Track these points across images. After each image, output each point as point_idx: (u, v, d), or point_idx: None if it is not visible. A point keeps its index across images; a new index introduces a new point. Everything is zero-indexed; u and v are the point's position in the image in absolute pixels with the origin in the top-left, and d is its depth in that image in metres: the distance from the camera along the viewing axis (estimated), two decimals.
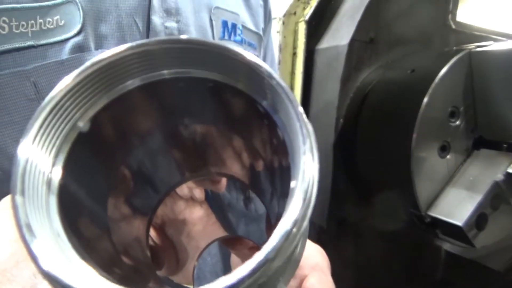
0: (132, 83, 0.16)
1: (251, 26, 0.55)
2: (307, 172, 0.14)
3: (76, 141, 0.15)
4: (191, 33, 0.45)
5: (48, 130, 0.15)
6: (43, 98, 0.34)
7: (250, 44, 0.54)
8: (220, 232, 0.29)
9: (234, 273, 0.12)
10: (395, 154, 0.65)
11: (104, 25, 0.39)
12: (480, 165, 0.61)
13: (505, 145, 0.62)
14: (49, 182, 0.15)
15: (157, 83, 0.16)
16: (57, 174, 0.15)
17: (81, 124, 0.15)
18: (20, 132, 0.35)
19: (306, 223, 0.14)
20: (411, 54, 0.71)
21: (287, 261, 0.15)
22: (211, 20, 0.47)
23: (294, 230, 0.13)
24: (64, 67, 0.36)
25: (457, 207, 0.59)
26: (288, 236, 0.13)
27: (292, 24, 0.68)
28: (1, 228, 0.17)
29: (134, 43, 0.15)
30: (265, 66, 0.15)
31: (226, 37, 0.49)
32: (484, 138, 0.63)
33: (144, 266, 0.19)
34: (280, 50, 0.67)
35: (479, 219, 0.57)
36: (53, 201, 0.15)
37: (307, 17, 0.66)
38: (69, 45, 0.37)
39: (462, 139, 0.63)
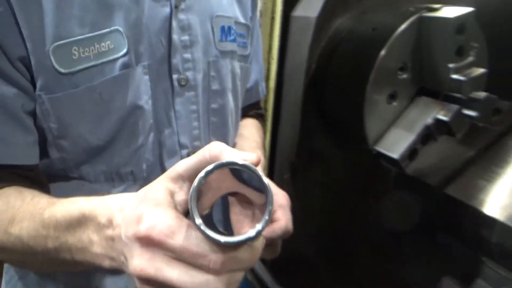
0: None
1: (241, 19, 0.68)
2: (270, 194, 0.32)
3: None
4: (198, 42, 0.58)
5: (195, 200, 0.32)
6: (106, 102, 0.49)
7: (241, 35, 0.67)
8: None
9: (246, 234, 0.31)
10: (353, 97, 0.79)
11: (141, 45, 0.52)
12: (418, 110, 0.76)
13: (442, 94, 0.76)
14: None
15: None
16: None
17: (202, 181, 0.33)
18: (90, 124, 0.51)
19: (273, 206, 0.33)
20: (376, 11, 0.81)
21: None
22: (212, 28, 0.60)
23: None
24: (117, 81, 0.50)
25: (396, 143, 0.75)
26: (269, 218, 0.32)
27: None
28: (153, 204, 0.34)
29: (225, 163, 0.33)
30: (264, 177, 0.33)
31: (224, 38, 0.62)
32: (426, 88, 0.77)
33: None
34: (261, 15, 0.77)
35: (411, 153, 0.74)
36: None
37: None
38: (118, 63, 0.50)
39: (408, 89, 0.77)
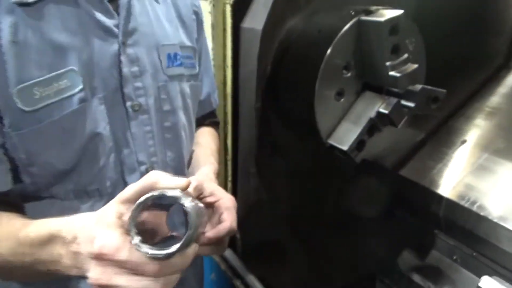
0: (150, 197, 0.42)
1: (187, 42, 0.74)
2: (192, 220, 0.41)
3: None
4: (147, 71, 0.65)
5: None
6: (67, 133, 0.56)
7: (187, 57, 0.73)
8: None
9: (166, 250, 0.40)
10: (305, 95, 0.86)
11: (94, 80, 0.58)
12: (364, 104, 0.84)
13: (385, 89, 0.84)
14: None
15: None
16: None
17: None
18: (55, 152, 0.57)
19: (200, 221, 0.40)
20: (322, 14, 0.88)
21: (197, 231, 0.41)
22: (159, 56, 0.66)
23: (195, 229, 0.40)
24: (76, 114, 0.57)
25: (345, 136, 0.83)
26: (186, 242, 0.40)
27: (221, 6, 0.83)
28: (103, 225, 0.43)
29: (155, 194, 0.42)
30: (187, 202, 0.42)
31: (170, 64, 0.68)
32: (370, 84, 0.85)
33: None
34: (213, 27, 0.83)
35: (359, 144, 0.82)
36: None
37: (231, 1, 0.80)
38: (76, 98, 0.56)
39: (353, 86, 0.84)
